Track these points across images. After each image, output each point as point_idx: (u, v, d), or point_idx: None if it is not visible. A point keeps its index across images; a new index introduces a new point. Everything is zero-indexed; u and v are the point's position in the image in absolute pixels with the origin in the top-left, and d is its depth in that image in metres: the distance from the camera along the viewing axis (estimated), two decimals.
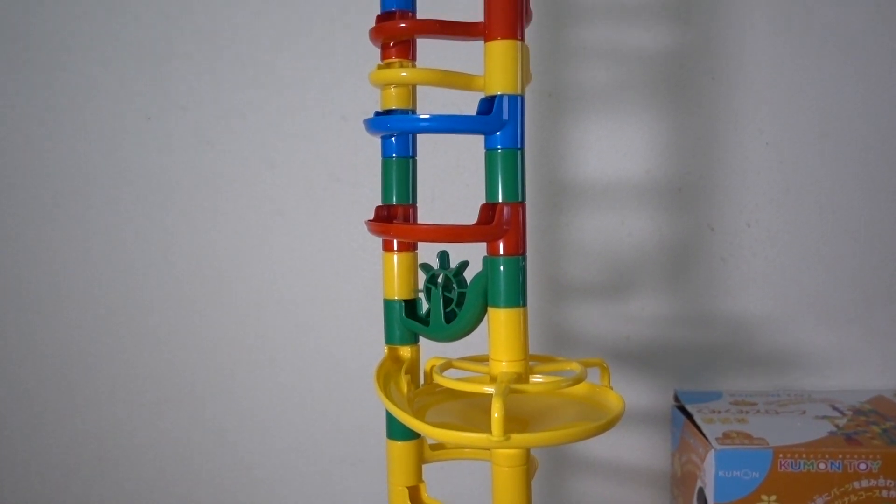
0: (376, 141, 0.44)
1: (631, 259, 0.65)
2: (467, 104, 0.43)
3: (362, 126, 0.42)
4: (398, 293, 0.44)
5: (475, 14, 0.40)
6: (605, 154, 0.64)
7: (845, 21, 0.62)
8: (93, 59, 0.67)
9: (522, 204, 0.39)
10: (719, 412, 0.58)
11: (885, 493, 0.50)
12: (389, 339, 0.44)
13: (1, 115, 0.68)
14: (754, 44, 0.63)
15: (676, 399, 0.62)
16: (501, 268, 0.39)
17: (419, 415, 0.41)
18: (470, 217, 0.40)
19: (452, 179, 0.64)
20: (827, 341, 0.65)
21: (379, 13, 0.43)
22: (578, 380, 0.40)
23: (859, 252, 0.65)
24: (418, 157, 0.45)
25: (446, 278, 0.42)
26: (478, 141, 0.39)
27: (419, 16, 0.43)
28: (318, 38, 0.65)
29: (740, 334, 0.65)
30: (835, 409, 0.59)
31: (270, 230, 0.68)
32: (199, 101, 0.67)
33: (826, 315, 0.65)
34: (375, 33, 0.43)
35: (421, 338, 0.44)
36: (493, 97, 0.38)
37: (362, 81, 0.45)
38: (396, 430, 0.44)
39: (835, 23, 0.62)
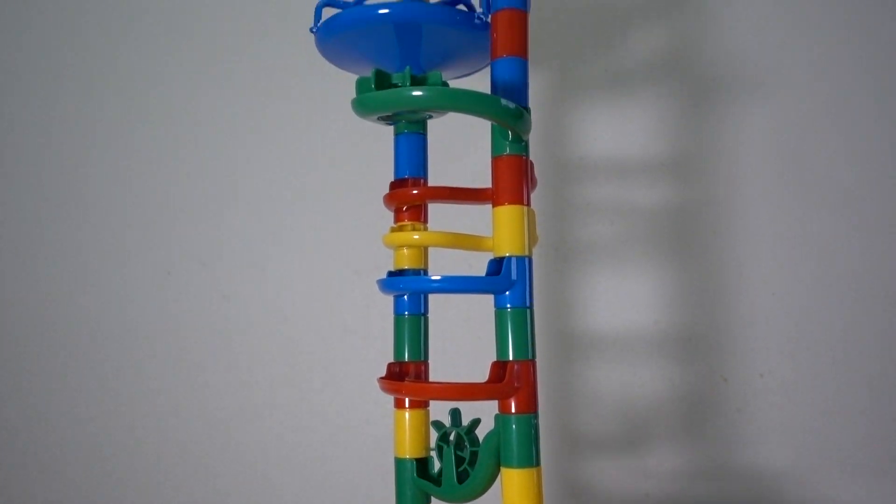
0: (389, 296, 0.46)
1: (645, 411, 0.65)
2: (477, 259, 0.45)
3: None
4: (409, 451, 0.44)
5: (484, 177, 0.42)
6: (613, 305, 0.65)
7: (840, 174, 0.65)
8: (114, 217, 0.71)
9: (533, 361, 0.40)
10: None
11: None
12: (401, 502, 0.43)
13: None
14: (754, 199, 0.65)
15: None
16: (514, 426, 0.39)
17: None
18: (482, 371, 0.40)
19: (463, 332, 0.65)
20: (855, 496, 0.63)
21: (392, 179, 0.46)
22: None
23: (879, 403, 0.63)
24: (430, 312, 0.46)
25: (458, 436, 0.42)
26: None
27: (431, 176, 0.46)
28: (335, 197, 0.69)
29: (763, 489, 0.63)
30: None
31: (281, 384, 0.68)
32: (217, 256, 0.69)
33: (852, 468, 0.63)
34: (389, 199, 0.45)
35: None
36: (501, 258, 0.40)
37: (376, 238, 0.47)
38: None
39: (828, 177, 0.65)
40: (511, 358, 0.39)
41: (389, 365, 0.45)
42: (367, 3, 0.43)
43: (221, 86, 0.72)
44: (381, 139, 0.49)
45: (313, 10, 0.44)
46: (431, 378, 0.46)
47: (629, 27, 0.66)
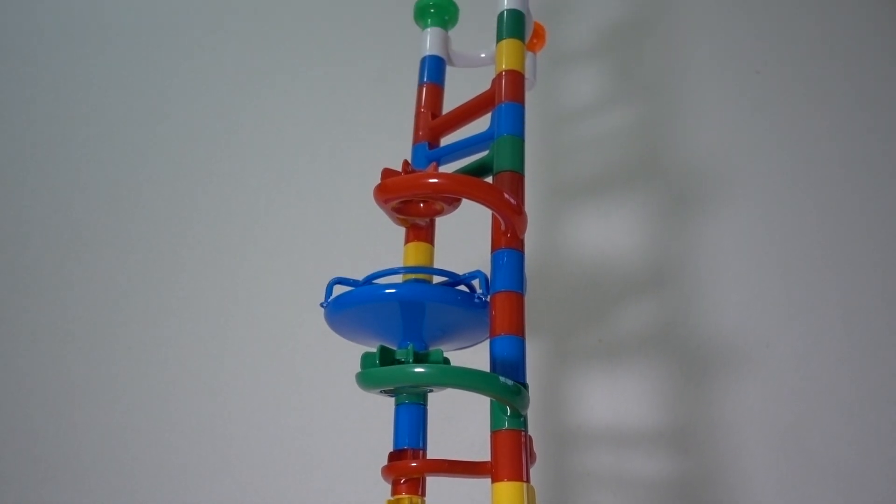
0: None
1: None
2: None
3: None
4: None
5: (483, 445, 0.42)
6: None
7: (839, 445, 0.64)
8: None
9: None
10: None
11: None
12: None
13: None
14: (756, 471, 0.64)
15: None
16: None
17: None
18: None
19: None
20: None
21: (392, 451, 0.46)
22: None
23: None
24: None
25: None
26: None
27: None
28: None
29: None
30: None
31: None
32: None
33: None
34: (387, 472, 0.45)
35: None
36: None
37: None
38: None
39: (829, 449, 0.64)
40: None
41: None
42: (374, 282, 0.46)
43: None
44: None
45: None
46: None
47: (621, 301, 0.70)
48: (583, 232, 0.73)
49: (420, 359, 0.45)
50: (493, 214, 0.45)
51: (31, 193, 0.86)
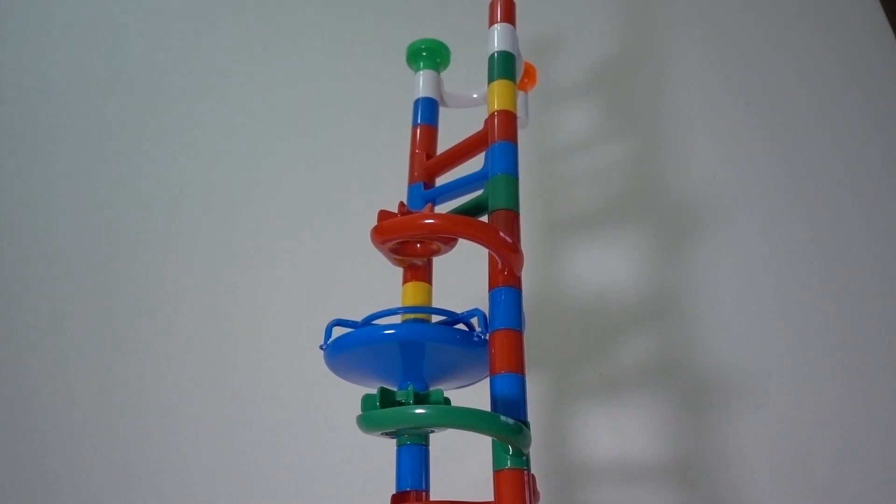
0: None
1: None
2: None
3: None
4: None
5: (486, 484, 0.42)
6: None
7: (845, 475, 0.64)
8: None
9: None
10: None
11: None
12: None
13: None
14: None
15: None
16: None
17: None
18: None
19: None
20: None
21: (395, 493, 0.46)
22: None
23: None
24: None
25: None
26: None
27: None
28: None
29: None
30: None
31: None
32: None
33: None
34: None
35: None
36: None
37: None
38: None
39: (833, 480, 0.64)
40: None
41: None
42: (373, 323, 0.46)
43: None
44: None
45: None
46: None
47: (621, 334, 0.70)
48: (580, 266, 0.73)
49: (420, 400, 0.45)
50: (489, 253, 0.45)
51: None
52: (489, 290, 0.46)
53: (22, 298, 0.84)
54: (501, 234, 0.44)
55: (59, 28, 1.01)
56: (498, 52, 0.53)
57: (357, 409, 0.43)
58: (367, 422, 0.41)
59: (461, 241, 0.47)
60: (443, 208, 0.52)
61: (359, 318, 0.47)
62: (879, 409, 0.65)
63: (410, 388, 0.44)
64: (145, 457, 0.73)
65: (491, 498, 0.41)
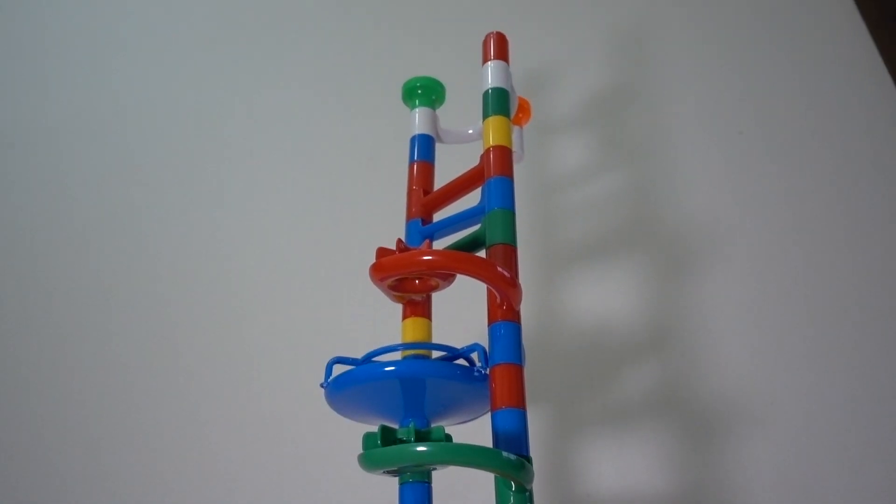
0: None
1: None
2: None
3: None
4: None
5: None
6: None
7: None
8: None
9: None
10: None
11: None
12: None
13: None
14: None
15: None
16: None
17: None
18: None
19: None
20: None
21: None
22: None
23: None
24: None
25: None
26: None
27: None
28: None
29: None
30: None
31: None
32: None
33: None
34: None
35: None
36: None
37: None
38: None
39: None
40: None
41: None
42: (373, 360, 0.46)
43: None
44: None
45: None
46: None
47: (622, 365, 0.70)
48: (579, 299, 0.73)
49: (422, 437, 0.44)
50: (488, 287, 0.46)
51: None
52: (488, 325, 0.46)
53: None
54: (499, 268, 0.44)
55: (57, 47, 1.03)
56: (492, 88, 0.54)
57: (358, 448, 0.43)
58: (369, 460, 0.41)
59: (460, 276, 0.47)
60: (441, 244, 0.52)
61: (359, 355, 0.47)
62: (885, 436, 0.65)
63: (412, 425, 0.44)
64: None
65: None
